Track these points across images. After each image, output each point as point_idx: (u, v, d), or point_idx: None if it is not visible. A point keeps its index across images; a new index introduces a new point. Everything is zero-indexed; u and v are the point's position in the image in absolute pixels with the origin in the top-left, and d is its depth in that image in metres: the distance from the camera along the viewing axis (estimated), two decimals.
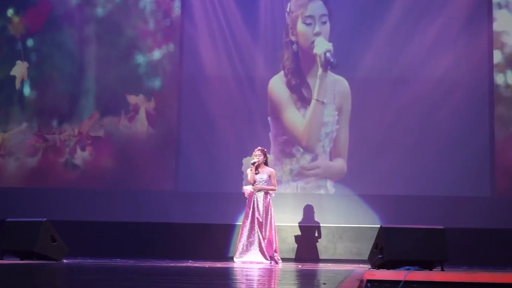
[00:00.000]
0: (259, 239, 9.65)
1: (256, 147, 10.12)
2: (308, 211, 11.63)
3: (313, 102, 11.61)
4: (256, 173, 9.80)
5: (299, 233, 11.44)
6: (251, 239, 9.73)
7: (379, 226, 8.87)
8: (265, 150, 9.95)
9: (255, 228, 9.66)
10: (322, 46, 11.58)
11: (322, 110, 11.53)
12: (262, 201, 9.71)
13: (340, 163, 11.59)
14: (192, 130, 11.65)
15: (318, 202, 11.60)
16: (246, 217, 9.79)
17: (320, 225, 11.45)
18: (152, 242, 11.28)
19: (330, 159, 11.46)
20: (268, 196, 9.89)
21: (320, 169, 11.52)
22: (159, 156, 11.53)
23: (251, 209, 9.73)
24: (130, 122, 11.80)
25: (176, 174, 11.49)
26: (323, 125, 11.52)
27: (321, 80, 11.44)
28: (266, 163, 9.94)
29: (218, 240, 11.35)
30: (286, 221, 11.31)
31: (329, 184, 11.68)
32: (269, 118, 11.59)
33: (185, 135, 11.66)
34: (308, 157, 11.62)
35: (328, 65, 11.51)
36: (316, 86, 11.41)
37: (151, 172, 11.48)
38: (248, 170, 9.84)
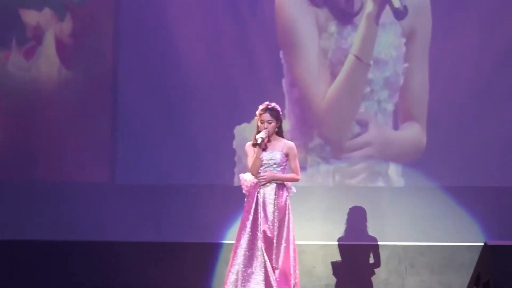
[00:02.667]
0: (266, 268, 6.94)
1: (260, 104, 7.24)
2: (354, 219, 8.65)
3: (362, 22, 8.69)
4: (262, 149, 7.07)
5: (336, 257, 8.64)
6: (250, 269, 7.00)
7: (483, 243, 7.49)
8: (278, 108, 7.13)
9: (259, 248, 6.97)
10: None
11: (375, 34, 8.71)
12: (272, 201, 7.00)
13: (412, 133, 8.72)
14: (141, 73, 8.89)
15: (371, 202, 8.70)
16: (243, 228, 7.07)
17: (378, 243, 8.58)
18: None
19: (395, 127, 8.75)
20: (285, 192, 7.11)
21: (373, 145, 8.71)
22: (82, 122, 8.97)
23: (252, 215, 7.02)
24: (27, 58, 9.08)
25: (113, 156, 8.91)
26: (377, 64, 8.74)
27: None
28: (280, 133, 7.16)
29: (191, 267, 8.61)
30: (313, 237, 8.62)
31: (393, 170, 8.70)
32: (281, 54, 8.72)
33: (127, 82, 8.88)
34: (354, 127, 8.78)
35: None
36: None
37: (68, 150, 8.95)
38: (248, 146, 7.16)
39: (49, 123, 8.80)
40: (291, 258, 6.98)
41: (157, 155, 8.68)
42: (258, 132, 6.95)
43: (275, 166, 6.98)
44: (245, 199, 7.10)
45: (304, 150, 8.53)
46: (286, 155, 7.02)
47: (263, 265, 6.89)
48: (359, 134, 8.73)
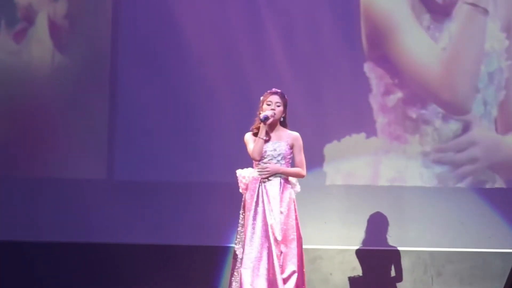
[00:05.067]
0: (273, 271, 6.43)
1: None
2: (375, 222, 8.30)
3: (463, 8, 8.30)
4: (266, 141, 6.63)
5: (355, 264, 8.32)
6: (257, 271, 6.50)
7: None
8: (285, 95, 6.74)
9: (263, 248, 6.46)
10: None
11: (481, 26, 8.35)
12: (277, 195, 6.51)
13: None
14: (141, 58, 8.60)
15: (395, 203, 8.32)
16: (244, 229, 6.61)
17: (402, 248, 8.25)
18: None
19: (498, 130, 8.39)
20: (289, 188, 6.63)
21: (478, 149, 8.34)
22: (77, 112, 8.71)
23: (252, 212, 6.48)
24: (17, 41, 8.87)
25: (111, 150, 8.65)
26: (482, 58, 8.38)
27: None
28: (284, 123, 6.74)
29: (194, 271, 8.34)
30: (330, 242, 8.31)
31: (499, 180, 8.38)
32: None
33: (126, 69, 8.61)
34: (453, 125, 8.32)
35: None
36: None
37: (62, 144, 8.68)
38: (248, 135, 6.68)
39: (40, 113, 8.65)
40: (299, 261, 6.61)
41: (158, 150, 8.47)
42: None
43: (279, 158, 6.61)
44: (243, 198, 6.67)
45: (397, 158, 8.21)
46: (291, 147, 6.64)
47: (267, 267, 6.52)
48: (462, 134, 8.37)
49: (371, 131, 8.34)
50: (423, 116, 8.36)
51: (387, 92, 8.38)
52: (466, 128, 8.35)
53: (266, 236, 6.47)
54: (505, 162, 8.41)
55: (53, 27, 8.72)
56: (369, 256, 8.28)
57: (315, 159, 8.06)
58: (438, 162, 8.38)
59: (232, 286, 6.61)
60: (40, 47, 8.69)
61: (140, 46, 8.56)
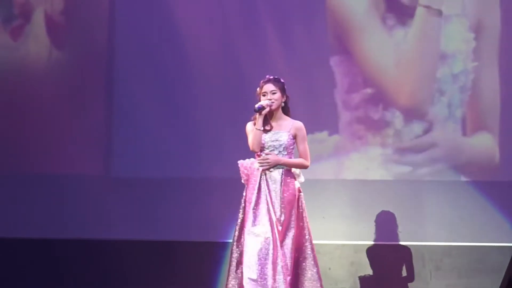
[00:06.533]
0: (279, 270, 6.09)
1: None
2: (373, 216, 8.24)
3: (419, 11, 8.30)
4: (267, 131, 6.33)
5: (354, 258, 8.36)
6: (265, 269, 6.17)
7: None
8: (283, 81, 6.48)
9: (269, 243, 6.13)
10: None
11: (439, 28, 8.33)
12: (279, 188, 6.21)
13: (483, 142, 8.38)
14: (139, 55, 8.56)
15: (392, 197, 8.28)
16: (244, 225, 6.25)
17: (400, 243, 8.21)
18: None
19: (464, 133, 8.36)
20: (293, 180, 6.34)
21: (439, 148, 8.26)
22: (74, 108, 8.66)
23: (253, 203, 6.21)
24: (15, 38, 8.86)
25: (108, 146, 8.63)
26: (441, 60, 8.31)
27: None
28: (286, 111, 6.46)
29: (193, 267, 8.27)
30: (329, 236, 8.21)
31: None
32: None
33: (124, 65, 8.57)
34: (416, 127, 8.32)
35: None
36: None
37: (59, 140, 8.65)
38: (249, 125, 6.44)
39: (37, 109, 8.53)
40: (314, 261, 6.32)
41: (156, 145, 8.36)
42: None
43: (281, 149, 6.36)
44: (245, 190, 6.40)
45: (361, 159, 8.15)
46: (294, 137, 6.35)
47: (272, 266, 6.13)
48: (424, 134, 8.26)
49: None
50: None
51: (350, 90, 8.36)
52: (427, 128, 8.32)
53: (268, 230, 6.23)
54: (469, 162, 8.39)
55: (50, 24, 8.65)
56: (367, 251, 8.21)
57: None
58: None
59: (229, 284, 6.38)
60: (37, 43, 8.60)
61: (137, 41, 8.47)
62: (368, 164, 8.18)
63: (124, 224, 8.33)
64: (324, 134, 8.09)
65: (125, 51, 8.47)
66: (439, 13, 8.10)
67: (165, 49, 8.34)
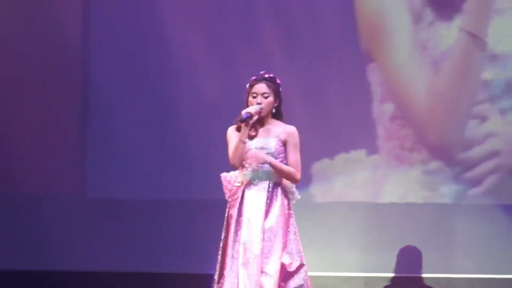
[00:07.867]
0: None
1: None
2: (386, 244, 7.70)
3: (455, 35, 7.63)
4: (252, 136, 5.57)
5: None
6: None
7: None
8: (278, 81, 5.69)
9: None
10: None
11: (474, 54, 7.57)
12: (262, 207, 5.54)
13: None
14: (117, 57, 7.95)
15: (407, 222, 7.70)
16: (226, 250, 5.60)
17: (418, 275, 7.74)
18: None
19: None
20: (283, 195, 5.59)
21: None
22: (45, 120, 8.03)
23: (233, 225, 5.52)
24: None
25: (82, 164, 7.98)
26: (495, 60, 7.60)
27: None
28: (278, 116, 5.71)
29: None
30: (336, 268, 7.66)
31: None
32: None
33: (101, 70, 7.93)
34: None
35: None
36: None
37: (27, 156, 8.07)
38: (231, 130, 5.69)
39: (3, 121, 7.95)
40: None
41: (137, 164, 7.84)
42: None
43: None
44: (226, 208, 5.73)
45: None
46: (284, 143, 5.67)
47: None
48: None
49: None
50: None
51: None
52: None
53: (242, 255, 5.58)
54: None
55: None
56: (381, 284, 7.67)
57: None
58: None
59: None
60: None
61: (116, 41, 7.95)
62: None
63: (101, 254, 7.88)
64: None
65: (103, 51, 7.97)
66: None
67: (151, 51, 7.84)
